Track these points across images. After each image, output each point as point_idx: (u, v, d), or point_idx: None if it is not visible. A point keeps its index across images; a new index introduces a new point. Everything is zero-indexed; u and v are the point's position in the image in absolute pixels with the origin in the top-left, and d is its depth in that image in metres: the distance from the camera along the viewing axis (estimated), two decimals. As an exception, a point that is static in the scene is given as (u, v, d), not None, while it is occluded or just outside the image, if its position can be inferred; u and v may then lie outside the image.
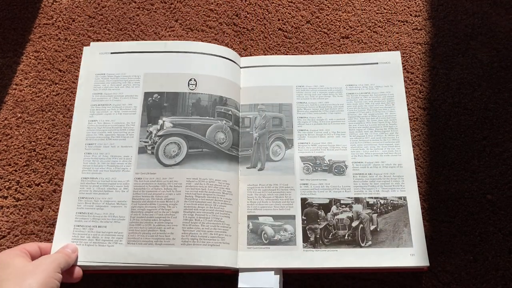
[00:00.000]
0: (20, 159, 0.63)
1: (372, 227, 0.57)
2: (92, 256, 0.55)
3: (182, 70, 0.63)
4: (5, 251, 0.51)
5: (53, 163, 0.63)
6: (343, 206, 0.58)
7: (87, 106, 0.63)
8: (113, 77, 0.64)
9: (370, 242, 0.56)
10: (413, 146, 0.61)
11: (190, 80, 0.62)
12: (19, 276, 0.47)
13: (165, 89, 0.62)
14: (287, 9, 0.72)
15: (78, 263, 0.55)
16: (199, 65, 0.63)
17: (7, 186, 0.62)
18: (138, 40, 0.70)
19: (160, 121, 0.61)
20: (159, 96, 0.62)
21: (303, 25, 0.71)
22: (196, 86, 0.62)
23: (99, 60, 0.65)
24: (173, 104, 0.62)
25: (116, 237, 0.56)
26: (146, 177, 0.58)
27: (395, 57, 0.66)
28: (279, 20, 0.71)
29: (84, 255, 0.55)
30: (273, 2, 0.73)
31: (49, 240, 0.59)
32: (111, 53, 0.65)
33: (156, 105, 0.62)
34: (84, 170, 0.59)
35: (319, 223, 0.57)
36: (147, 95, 0.62)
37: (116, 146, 0.60)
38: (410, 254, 0.55)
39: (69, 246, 0.55)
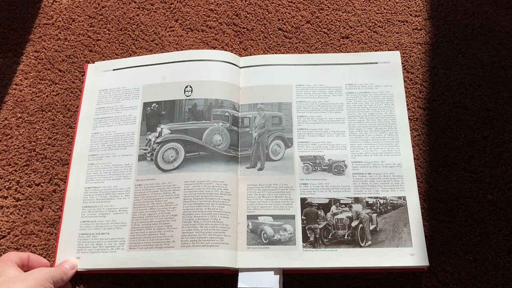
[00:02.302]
0: (20, 159, 0.63)
1: (371, 227, 0.56)
2: (96, 262, 0.56)
3: (178, 79, 0.64)
4: None
5: (53, 163, 0.63)
6: (342, 206, 0.58)
7: (91, 120, 0.64)
8: (114, 91, 0.66)
9: (369, 242, 0.56)
10: (413, 146, 0.61)
11: (186, 87, 0.63)
12: (10, 281, 0.47)
13: (162, 98, 0.64)
14: (287, 9, 0.72)
15: (82, 270, 0.56)
16: (195, 72, 0.64)
17: (7, 186, 0.62)
18: (138, 40, 0.70)
19: (159, 129, 0.62)
20: (157, 105, 0.63)
21: (303, 25, 0.71)
22: (192, 92, 0.63)
23: (102, 78, 0.67)
24: (170, 112, 0.63)
25: (118, 243, 0.57)
26: (146, 183, 0.59)
27: (394, 56, 0.66)
28: (279, 20, 0.71)
29: (88, 262, 0.56)
30: (273, 2, 0.73)
31: (49, 240, 0.59)
32: (113, 70, 0.67)
33: (155, 114, 0.63)
34: (88, 180, 0.61)
35: (319, 223, 0.57)
36: (146, 105, 0.64)
37: (118, 155, 0.62)
38: (410, 254, 0.54)
39: (68, 263, 0.55)
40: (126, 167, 0.61)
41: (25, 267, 0.53)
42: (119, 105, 0.65)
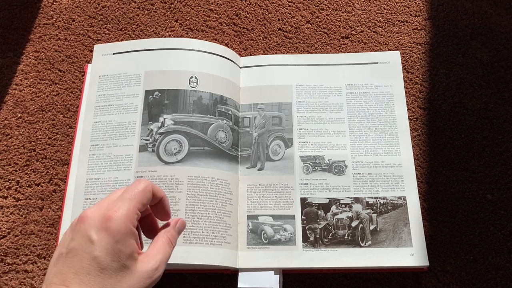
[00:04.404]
0: (20, 159, 0.63)
1: (371, 227, 0.56)
2: None
3: (182, 68, 0.62)
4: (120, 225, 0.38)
5: (53, 163, 0.63)
6: (342, 206, 0.58)
7: (91, 108, 0.63)
8: (115, 77, 0.64)
9: (369, 242, 0.56)
10: (413, 146, 0.61)
11: (191, 77, 0.62)
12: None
13: (165, 86, 0.62)
14: (287, 9, 0.72)
15: None
16: (199, 63, 0.62)
17: (7, 186, 0.62)
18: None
19: (161, 119, 0.60)
20: (159, 94, 0.61)
21: (303, 25, 0.71)
22: (197, 84, 0.61)
23: (102, 62, 0.65)
24: (174, 102, 0.61)
25: None
26: (146, 175, 0.58)
27: (394, 56, 0.66)
28: (279, 20, 0.71)
29: None
30: (273, 2, 0.73)
31: (49, 240, 0.59)
32: (113, 53, 0.65)
33: (157, 103, 0.61)
34: (89, 171, 0.59)
35: (319, 223, 0.57)
36: (147, 93, 0.62)
37: (118, 145, 0.60)
38: (410, 254, 0.55)
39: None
40: (127, 157, 0.59)
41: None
42: (120, 92, 0.62)
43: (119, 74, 0.64)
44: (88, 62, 0.69)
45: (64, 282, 0.35)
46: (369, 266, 0.54)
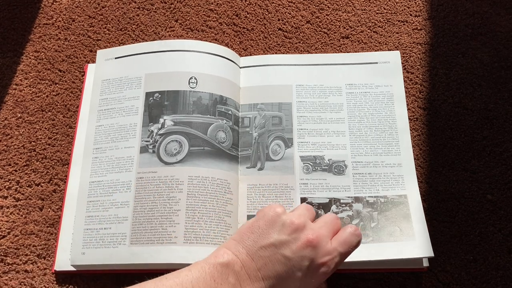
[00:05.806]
0: (20, 159, 0.63)
1: (373, 224, 0.56)
2: (99, 258, 0.55)
3: (182, 69, 0.63)
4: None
5: (53, 163, 0.63)
6: (343, 205, 0.58)
7: (95, 112, 0.63)
8: (117, 81, 0.64)
9: (371, 238, 0.56)
10: (413, 146, 0.61)
11: (191, 78, 0.62)
12: None
13: (165, 88, 0.62)
14: (287, 9, 0.72)
15: (86, 265, 0.55)
16: (199, 63, 0.63)
17: (7, 186, 0.62)
18: (138, 40, 0.70)
19: (161, 120, 0.61)
20: (160, 95, 0.62)
21: (303, 25, 0.71)
22: (196, 84, 0.62)
23: (104, 67, 0.66)
24: (174, 103, 0.61)
25: (120, 237, 0.56)
26: (147, 176, 0.58)
27: (394, 56, 0.66)
28: (279, 20, 0.71)
29: (92, 258, 0.55)
30: (273, 2, 0.73)
31: (49, 240, 0.59)
32: (115, 58, 0.66)
33: (157, 104, 0.62)
34: (92, 174, 0.60)
35: (319, 222, 0.57)
36: (148, 95, 0.62)
37: (120, 147, 0.60)
38: (413, 247, 0.54)
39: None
40: (128, 159, 0.59)
41: None
42: (122, 96, 0.63)
43: (120, 78, 0.64)
44: (88, 62, 0.69)
45: (261, 271, 0.41)
46: (372, 259, 0.54)
